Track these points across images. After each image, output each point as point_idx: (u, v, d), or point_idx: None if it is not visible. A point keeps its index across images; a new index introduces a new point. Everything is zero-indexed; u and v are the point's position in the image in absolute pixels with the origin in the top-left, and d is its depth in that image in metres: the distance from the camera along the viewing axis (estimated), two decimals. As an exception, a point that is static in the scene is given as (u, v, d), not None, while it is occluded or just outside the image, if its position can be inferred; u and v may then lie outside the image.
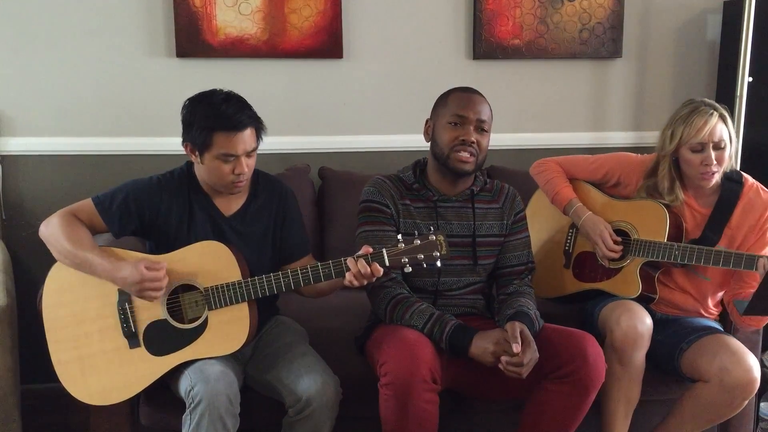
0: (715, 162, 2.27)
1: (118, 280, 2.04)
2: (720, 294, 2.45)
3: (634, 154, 2.55)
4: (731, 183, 2.38)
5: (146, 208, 2.15)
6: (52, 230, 2.08)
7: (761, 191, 2.38)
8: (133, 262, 2.02)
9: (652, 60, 3.25)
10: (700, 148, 2.28)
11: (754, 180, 2.41)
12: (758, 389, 2.54)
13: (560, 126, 3.25)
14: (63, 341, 2.10)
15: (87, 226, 2.12)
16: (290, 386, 2.06)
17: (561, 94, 3.23)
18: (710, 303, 2.45)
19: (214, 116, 2.05)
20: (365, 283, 2.01)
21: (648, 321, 2.26)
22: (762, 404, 2.68)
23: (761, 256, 2.19)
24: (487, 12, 3.09)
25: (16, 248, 2.88)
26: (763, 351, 2.62)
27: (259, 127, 2.14)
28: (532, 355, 2.00)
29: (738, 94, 2.94)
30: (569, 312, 2.51)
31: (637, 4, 3.20)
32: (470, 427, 2.39)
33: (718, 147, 2.28)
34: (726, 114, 2.31)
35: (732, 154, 2.34)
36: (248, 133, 2.09)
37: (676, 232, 2.35)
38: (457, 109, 2.19)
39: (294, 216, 2.29)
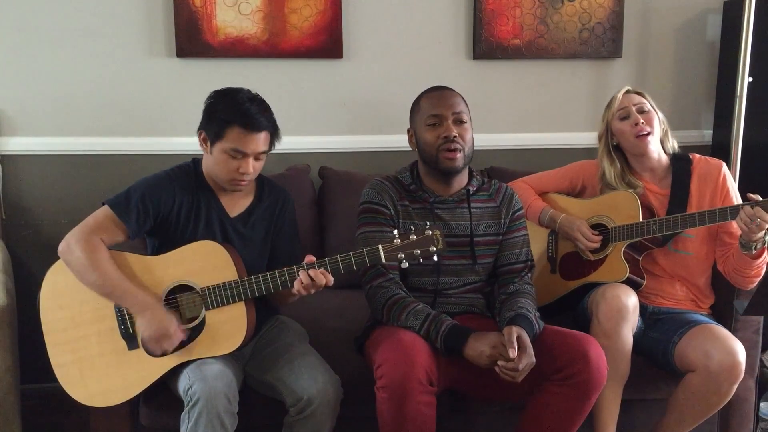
0: (643, 121, 2.41)
1: (145, 320, 2.04)
2: (708, 272, 2.48)
3: (593, 160, 2.63)
4: (680, 161, 2.49)
5: (161, 205, 2.14)
6: (76, 255, 2.05)
7: (709, 159, 2.50)
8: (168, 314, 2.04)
9: (652, 60, 3.25)
10: (626, 114, 2.46)
11: (701, 155, 2.53)
12: (758, 389, 2.55)
13: (560, 126, 3.25)
14: (61, 344, 2.11)
15: (108, 241, 2.09)
16: (291, 386, 2.06)
17: (561, 94, 3.23)
18: (701, 284, 2.47)
19: (235, 110, 2.07)
20: (312, 291, 2.05)
21: (633, 297, 2.30)
22: (762, 404, 2.67)
23: (742, 204, 2.20)
24: (487, 12, 3.09)
25: (16, 248, 2.88)
26: (763, 351, 2.62)
27: (274, 134, 2.15)
28: (528, 360, 1.99)
29: (738, 94, 2.94)
30: (564, 321, 2.49)
31: (637, 4, 3.19)
32: (470, 427, 2.39)
33: (642, 110, 2.45)
34: (641, 91, 2.52)
35: (663, 121, 2.49)
36: (263, 136, 2.10)
37: (649, 214, 2.42)
38: (430, 109, 2.21)
39: (288, 226, 2.29)
